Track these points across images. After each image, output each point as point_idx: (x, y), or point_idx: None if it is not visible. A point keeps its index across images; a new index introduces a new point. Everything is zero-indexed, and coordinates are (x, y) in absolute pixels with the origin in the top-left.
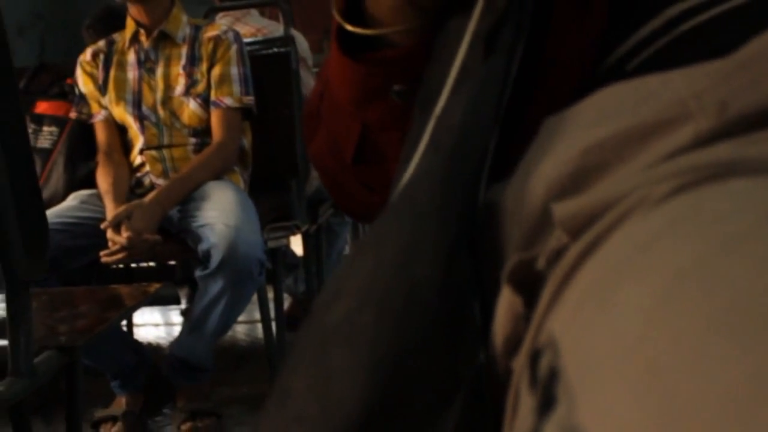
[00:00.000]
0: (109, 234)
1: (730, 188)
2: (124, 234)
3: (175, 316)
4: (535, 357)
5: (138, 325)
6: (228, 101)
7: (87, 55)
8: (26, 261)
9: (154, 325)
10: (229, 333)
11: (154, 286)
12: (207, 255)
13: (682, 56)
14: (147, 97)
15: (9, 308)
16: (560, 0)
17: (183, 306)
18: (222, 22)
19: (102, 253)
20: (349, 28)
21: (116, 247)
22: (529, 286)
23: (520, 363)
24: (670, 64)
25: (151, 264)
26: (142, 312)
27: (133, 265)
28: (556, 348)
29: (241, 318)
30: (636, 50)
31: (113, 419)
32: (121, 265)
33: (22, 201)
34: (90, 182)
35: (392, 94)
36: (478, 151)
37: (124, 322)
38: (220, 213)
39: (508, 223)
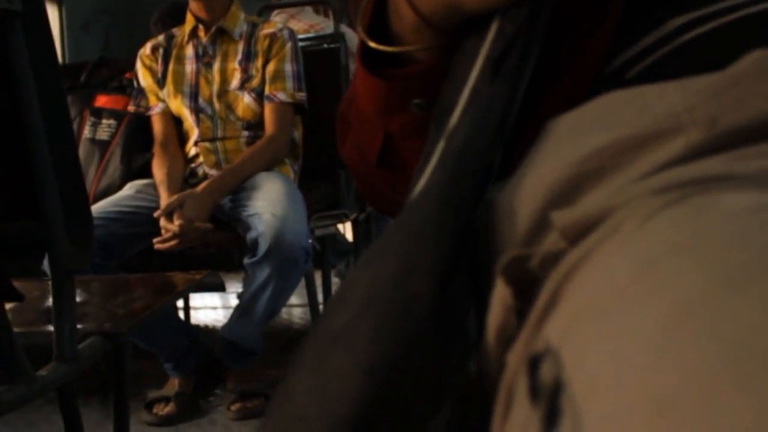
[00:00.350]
0: (162, 222)
1: (724, 207)
2: (176, 222)
3: (233, 299)
4: (534, 363)
5: (196, 308)
6: (281, 96)
7: (147, 49)
8: (71, 252)
9: (212, 308)
10: (282, 316)
11: (200, 275)
12: (255, 243)
13: (679, 67)
14: (204, 90)
15: (54, 297)
16: (577, 13)
17: (240, 290)
18: (277, 20)
19: (155, 240)
20: (372, 45)
21: (168, 234)
22: (521, 281)
23: (514, 360)
24: (667, 75)
25: (211, 250)
26: (202, 296)
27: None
28: (558, 359)
29: (291, 301)
30: (638, 58)
31: (166, 400)
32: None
33: (67, 195)
34: (146, 172)
35: (413, 107)
36: (479, 171)
37: (181, 306)
38: (269, 203)
39: (505, 223)
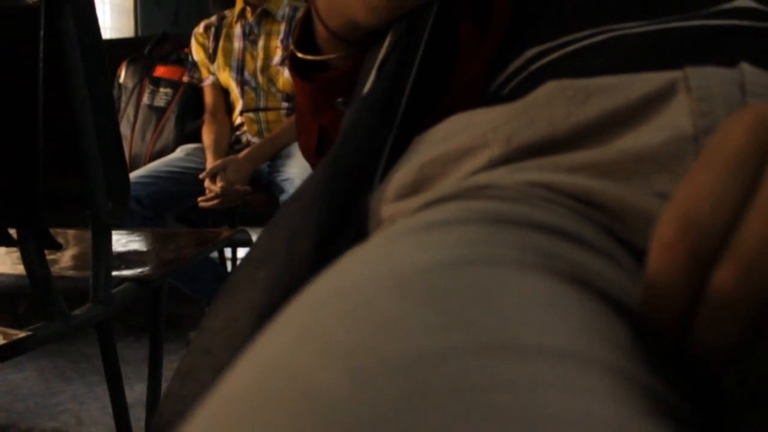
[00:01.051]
0: (206, 183)
1: (427, 220)
2: (219, 184)
3: None
4: None
5: None
6: None
7: (200, 28)
8: (109, 207)
9: None
10: None
11: (230, 232)
12: None
13: (527, 92)
14: (249, 64)
15: (93, 246)
16: (465, 35)
17: None
18: None
19: (199, 199)
20: (299, 55)
21: (211, 194)
22: None
23: None
24: (517, 97)
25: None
26: None
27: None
28: None
29: None
30: (506, 82)
31: None
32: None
33: (106, 157)
34: (197, 137)
35: (338, 104)
36: (358, 158)
37: (229, 257)
38: (299, 170)
39: (372, 218)
